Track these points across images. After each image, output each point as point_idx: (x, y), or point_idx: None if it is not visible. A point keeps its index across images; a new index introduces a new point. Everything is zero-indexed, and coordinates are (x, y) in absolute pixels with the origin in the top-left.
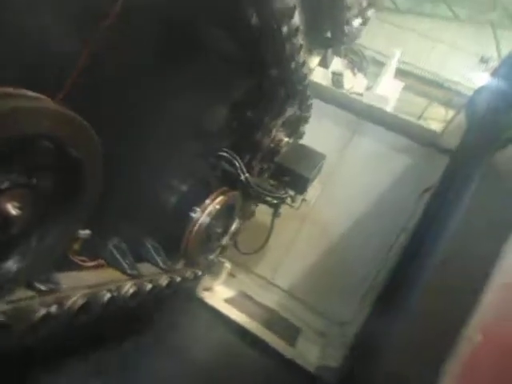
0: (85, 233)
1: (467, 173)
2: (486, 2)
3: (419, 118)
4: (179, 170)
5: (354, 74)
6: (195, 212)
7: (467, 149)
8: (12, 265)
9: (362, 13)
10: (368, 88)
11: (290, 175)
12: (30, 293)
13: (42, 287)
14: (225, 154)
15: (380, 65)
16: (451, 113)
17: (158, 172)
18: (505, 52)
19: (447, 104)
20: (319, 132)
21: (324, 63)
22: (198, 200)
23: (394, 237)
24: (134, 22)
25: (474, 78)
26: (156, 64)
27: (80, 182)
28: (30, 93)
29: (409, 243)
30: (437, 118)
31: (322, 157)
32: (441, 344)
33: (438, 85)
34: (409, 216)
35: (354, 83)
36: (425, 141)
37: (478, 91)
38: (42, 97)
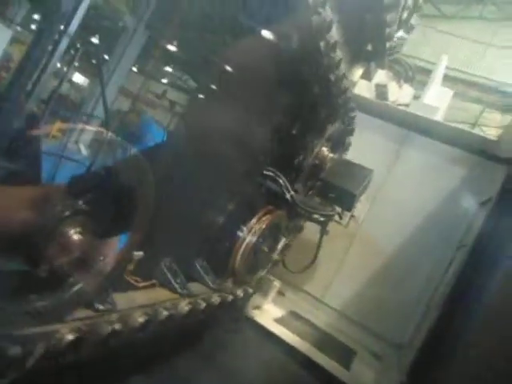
0: (138, 254)
1: None
2: None
3: (474, 125)
4: (226, 190)
5: (400, 86)
6: (242, 231)
7: None
8: (72, 286)
9: (403, 24)
10: (415, 98)
11: (336, 191)
12: (91, 312)
13: (101, 307)
14: (270, 173)
15: (427, 73)
16: (508, 118)
17: (205, 193)
18: None
19: (503, 109)
20: (365, 146)
21: (367, 76)
22: (245, 219)
23: (450, 253)
24: None
25: None
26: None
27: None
28: None
29: (467, 262)
30: (493, 125)
31: (368, 172)
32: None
33: (492, 89)
34: (465, 230)
35: (400, 94)
36: (479, 150)
37: None
38: None
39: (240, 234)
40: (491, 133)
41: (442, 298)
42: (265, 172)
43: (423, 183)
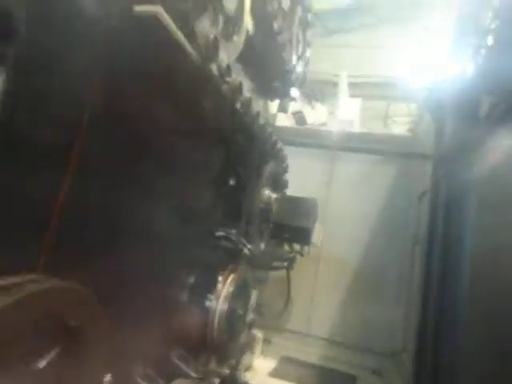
0: (107, 380)
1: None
2: (409, 2)
3: (385, 118)
4: (182, 265)
5: (313, 107)
6: (210, 301)
7: (445, 151)
8: None
9: (301, 56)
10: (330, 113)
11: (290, 231)
12: None
13: None
14: (221, 233)
15: (334, 84)
16: (412, 106)
17: (163, 277)
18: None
19: (406, 98)
20: (301, 173)
21: (283, 108)
22: (210, 287)
23: (409, 247)
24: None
25: (420, 68)
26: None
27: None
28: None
29: (427, 256)
30: (402, 114)
31: (313, 201)
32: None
33: (390, 84)
34: (415, 223)
35: (316, 115)
36: (400, 149)
37: (436, 84)
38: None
39: (209, 304)
40: (403, 120)
41: (418, 295)
42: (216, 234)
43: (362, 191)
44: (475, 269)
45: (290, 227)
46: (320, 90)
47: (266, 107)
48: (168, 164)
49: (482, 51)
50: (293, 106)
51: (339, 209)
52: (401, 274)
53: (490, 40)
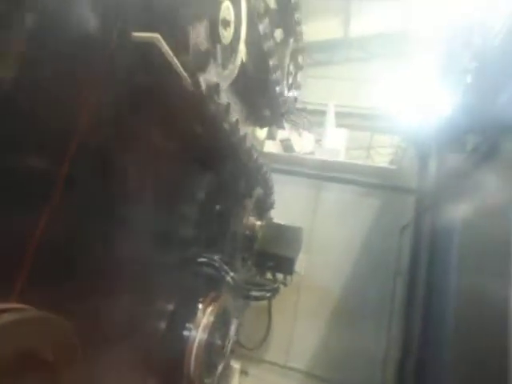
0: None
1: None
2: (393, 35)
3: (369, 148)
4: (162, 292)
5: (300, 134)
6: (189, 331)
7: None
8: None
9: (292, 86)
10: (317, 141)
11: (274, 260)
12: None
13: None
14: (204, 259)
15: (321, 113)
16: (395, 138)
17: (140, 304)
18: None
19: (388, 131)
20: (287, 202)
21: (271, 135)
22: (190, 316)
23: (390, 281)
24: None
25: (405, 103)
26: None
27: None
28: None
29: (408, 288)
30: (384, 146)
31: (298, 230)
32: None
33: (374, 116)
34: (396, 254)
35: (303, 143)
36: (384, 181)
37: (422, 120)
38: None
39: (188, 334)
40: (385, 151)
41: (400, 330)
42: (199, 260)
43: (346, 221)
44: (459, 305)
45: (275, 256)
46: (307, 119)
47: (254, 133)
48: (151, 188)
49: (462, 89)
50: (281, 134)
51: (323, 237)
52: (382, 305)
53: (468, 79)
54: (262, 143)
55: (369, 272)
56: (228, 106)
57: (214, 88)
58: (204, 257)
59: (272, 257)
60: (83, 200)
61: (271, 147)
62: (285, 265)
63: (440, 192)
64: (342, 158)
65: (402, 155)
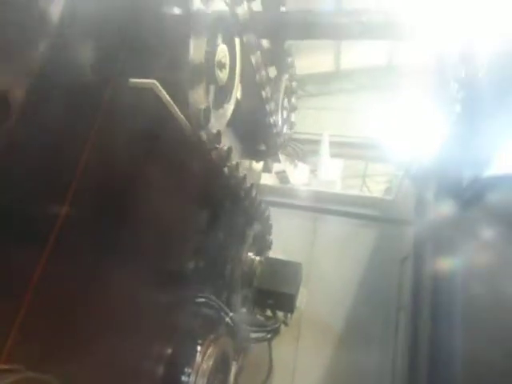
0: None
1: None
2: (381, 68)
3: (364, 177)
4: (158, 335)
5: (295, 166)
6: (188, 376)
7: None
8: None
9: (286, 121)
10: (312, 171)
11: (274, 297)
12: None
13: None
14: (202, 299)
15: (315, 143)
16: (389, 167)
17: (137, 347)
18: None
19: (383, 160)
20: (283, 235)
21: (267, 168)
22: (188, 359)
23: (393, 315)
24: None
25: (397, 132)
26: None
27: None
28: None
29: (411, 324)
30: (379, 174)
31: (298, 266)
32: None
33: (368, 146)
34: (397, 287)
35: (298, 175)
36: (381, 213)
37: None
38: None
39: (186, 380)
40: (380, 179)
41: (404, 369)
42: (196, 300)
43: (345, 253)
44: (467, 344)
45: (274, 293)
46: (302, 149)
47: (251, 168)
48: (150, 227)
49: (452, 121)
50: (276, 166)
51: (322, 270)
52: (385, 340)
53: (457, 108)
54: (258, 175)
55: (370, 305)
56: (230, 149)
57: (215, 135)
58: (202, 296)
59: (272, 294)
60: (76, 254)
61: (267, 179)
62: (285, 302)
63: (438, 230)
64: (338, 188)
65: (399, 185)
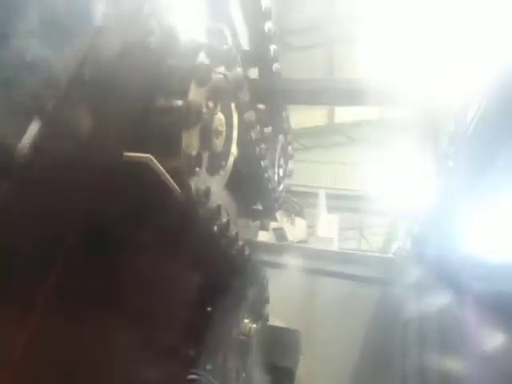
0: None
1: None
2: (374, 122)
3: (361, 229)
4: None
5: (292, 222)
6: None
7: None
8: None
9: (282, 180)
10: (309, 227)
11: (272, 371)
12: None
13: None
14: (194, 375)
15: (312, 196)
16: (385, 220)
17: None
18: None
19: (379, 212)
20: (280, 298)
21: (263, 226)
22: None
23: (397, 380)
24: None
25: (389, 185)
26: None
27: None
28: None
29: None
30: (376, 226)
31: (297, 334)
32: None
33: (363, 198)
34: (401, 353)
35: (296, 231)
36: (382, 273)
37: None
38: None
39: None
40: (378, 231)
41: None
42: (189, 377)
43: (345, 316)
44: None
45: (273, 367)
46: (300, 205)
47: (247, 225)
48: (140, 297)
49: (445, 173)
50: (273, 222)
51: (321, 336)
52: None
53: (450, 163)
54: (255, 232)
55: (374, 374)
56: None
57: (205, 195)
58: (194, 373)
59: (270, 368)
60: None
61: (264, 236)
62: (284, 377)
63: (442, 289)
64: (335, 245)
65: (399, 245)
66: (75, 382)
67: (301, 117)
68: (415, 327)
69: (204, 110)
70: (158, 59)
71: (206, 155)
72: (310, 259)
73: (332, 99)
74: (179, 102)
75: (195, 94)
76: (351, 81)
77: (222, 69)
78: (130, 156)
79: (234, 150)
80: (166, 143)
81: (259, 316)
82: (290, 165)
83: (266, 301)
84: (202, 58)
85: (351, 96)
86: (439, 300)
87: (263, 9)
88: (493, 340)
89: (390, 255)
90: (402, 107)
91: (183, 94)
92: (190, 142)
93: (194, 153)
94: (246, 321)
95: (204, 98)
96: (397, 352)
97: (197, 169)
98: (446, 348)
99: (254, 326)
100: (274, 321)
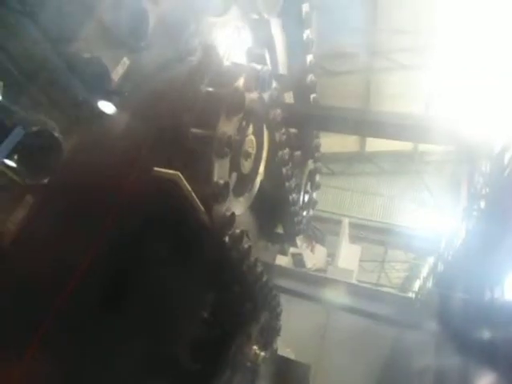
0: None
1: None
2: (406, 154)
3: (383, 262)
4: None
5: (312, 249)
6: None
7: None
8: None
9: (307, 206)
10: (329, 255)
11: None
12: None
13: None
14: None
15: (335, 222)
16: (410, 255)
17: None
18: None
19: (402, 247)
20: (293, 325)
21: (283, 251)
22: None
23: None
24: None
25: (417, 220)
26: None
27: None
28: None
29: None
30: (398, 261)
31: (305, 369)
32: None
33: (389, 231)
34: None
35: (315, 259)
36: (401, 312)
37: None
38: None
39: None
40: (399, 267)
41: None
42: None
43: (359, 353)
44: None
45: None
46: (322, 232)
47: (267, 248)
48: (155, 312)
49: (476, 214)
50: (293, 247)
51: (332, 370)
52: None
53: (482, 204)
54: (274, 255)
55: None
56: (249, 248)
57: (229, 222)
58: None
59: None
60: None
61: (282, 259)
62: None
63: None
64: (355, 277)
65: (421, 286)
66: None
67: (331, 141)
68: (430, 377)
69: (235, 135)
70: (196, 79)
71: (233, 177)
72: (326, 290)
73: (365, 131)
74: (211, 132)
75: (227, 124)
76: (388, 114)
77: (257, 91)
78: (159, 172)
79: (261, 170)
80: (195, 170)
81: (268, 344)
82: (315, 195)
83: (278, 329)
84: (239, 83)
85: (387, 129)
86: (461, 348)
87: (305, 40)
88: None
89: (411, 295)
90: (438, 143)
91: (215, 122)
92: (219, 170)
93: (221, 182)
94: (255, 347)
95: (236, 125)
96: None
97: (223, 196)
98: None
99: (263, 354)
100: (284, 351)
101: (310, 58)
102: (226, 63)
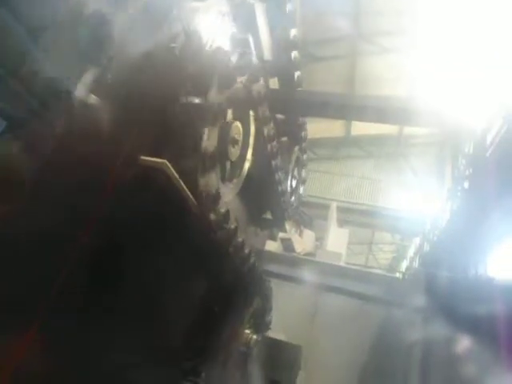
0: None
1: None
2: (392, 137)
3: (370, 244)
4: None
5: (301, 233)
6: None
7: None
8: None
9: (295, 191)
10: (318, 239)
11: None
12: None
13: None
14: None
15: (323, 207)
16: (397, 236)
17: None
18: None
19: (389, 229)
20: (283, 308)
21: (272, 236)
22: None
23: None
24: None
25: (403, 202)
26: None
27: None
28: None
29: None
30: (385, 243)
31: (297, 350)
32: None
33: (376, 214)
34: (403, 376)
35: (304, 243)
36: (388, 291)
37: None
38: None
39: None
40: (387, 249)
41: None
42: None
43: (348, 332)
44: None
45: (270, 381)
46: (310, 217)
47: (256, 233)
48: (147, 301)
49: (460, 195)
50: (282, 232)
51: (322, 350)
52: None
53: (466, 184)
54: (263, 241)
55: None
56: (236, 229)
57: (224, 215)
58: (189, 380)
59: (267, 381)
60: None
61: (271, 245)
62: None
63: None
64: (343, 260)
65: (407, 265)
66: None
67: (317, 126)
68: (420, 352)
69: (223, 114)
70: (180, 63)
71: (221, 162)
72: (315, 274)
73: (349, 115)
74: (199, 100)
75: (216, 96)
76: (372, 98)
77: (243, 79)
78: (146, 160)
79: (249, 156)
80: (184, 140)
81: (260, 327)
82: (303, 173)
83: (269, 312)
84: (225, 65)
85: (371, 113)
86: (447, 324)
87: (287, 14)
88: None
89: (398, 275)
90: (422, 125)
91: (204, 94)
92: (206, 141)
93: (210, 149)
94: (247, 331)
95: (224, 103)
96: (398, 376)
97: (210, 171)
98: (452, 378)
99: (255, 337)
100: (275, 333)
101: (293, 32)
102: (211, 48)
